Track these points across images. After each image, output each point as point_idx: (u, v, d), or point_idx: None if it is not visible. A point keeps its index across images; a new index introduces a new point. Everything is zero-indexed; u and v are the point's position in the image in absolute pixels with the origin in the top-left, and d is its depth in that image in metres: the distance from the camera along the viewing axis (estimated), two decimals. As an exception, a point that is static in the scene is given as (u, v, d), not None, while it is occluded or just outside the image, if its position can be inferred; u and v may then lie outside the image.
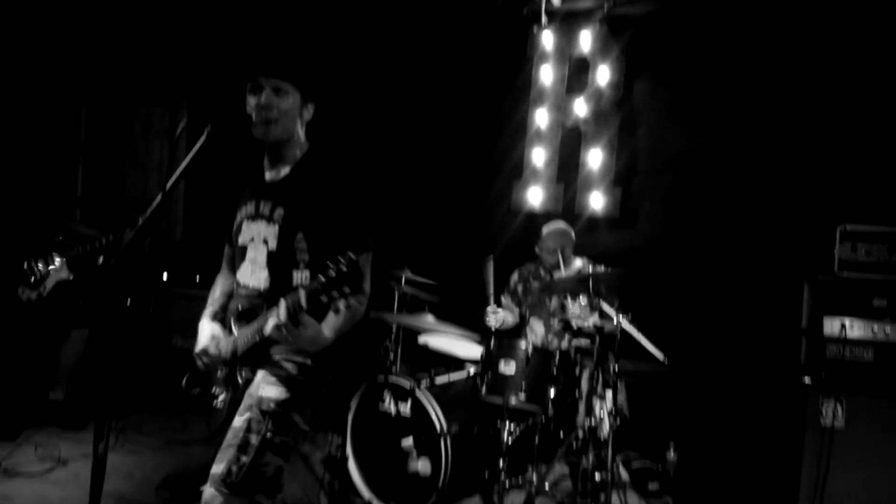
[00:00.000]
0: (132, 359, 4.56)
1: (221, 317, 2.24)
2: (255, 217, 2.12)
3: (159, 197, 1.88)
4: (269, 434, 1.96)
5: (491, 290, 3.55)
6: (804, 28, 3.91)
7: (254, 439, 1.95)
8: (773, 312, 3.73)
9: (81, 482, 3.23)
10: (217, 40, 5.19)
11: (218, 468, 1.93)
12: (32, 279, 3.79)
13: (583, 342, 3.50)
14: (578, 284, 3.31)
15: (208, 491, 1.93)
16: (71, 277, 3.90)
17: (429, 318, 3.62)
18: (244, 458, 1.93)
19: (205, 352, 2.15)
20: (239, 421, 1.99)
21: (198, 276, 4.67)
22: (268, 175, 2.17)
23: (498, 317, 3.58)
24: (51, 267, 3.83)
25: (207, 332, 2.18)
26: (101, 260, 3.82)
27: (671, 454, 3.50)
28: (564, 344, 3.54)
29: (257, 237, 2.11)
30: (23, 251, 3.79)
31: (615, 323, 3.08)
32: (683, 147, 4.26)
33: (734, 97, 4.10)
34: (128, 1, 5.16)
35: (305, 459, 3.64)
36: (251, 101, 2.08)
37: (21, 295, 3.77)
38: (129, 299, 4.30)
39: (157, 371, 4.61)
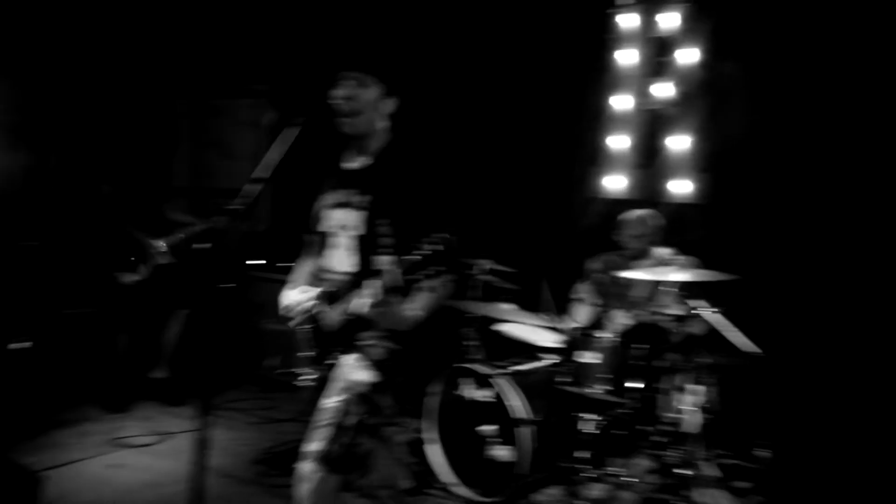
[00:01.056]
0: (227, 339, 4.80)
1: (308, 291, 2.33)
2: (339, 205, 2.21)
3: (258, 187, 1.98)
4: (361, 416, 2.04)
5: (552, 309, 3.54)
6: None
7: (349, 420, 2.04)
8: (877, 305, 3.52)
9: (183, 454, 3.46)
10: (302, 34, 5.33)
11: (313, 446, 2.03)
12: (134, 265, 4.06)
13: (670, 333, 3.42)
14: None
15: (305, 468, 2.03)
16: (170, 262, 4.15)
17: (509, 307, 3.63)
18: (340, 438, 2.02)
19: (289, 308, 2.25)
20: (332, 402, 2.08)
21: (286, 262, 4.86)
22: (351, 164, 2.26)
23: (567, 325, 3.58)
24: (151, 252, 4.10)
25: (292, 295, 2.28)
26: (197, 245, 4.10)
27: (764, 452, 3.37)
28: (649, 335, 3.47)
29: (341, 224, 2.19)
30: (125, 237, 4.07)
31: (705, 314, 2.99)
32: (775, 130, 4.06)
33: (834, 79, 3.86)
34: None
35: (389, 442, 3.75)
36: (335, 93, 2.15)
37: (123, 279, 4.04)
38: (223, 283, 4.57)
39: (249, 352, 4.85)
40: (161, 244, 4.12)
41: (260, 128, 5.65)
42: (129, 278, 4.08)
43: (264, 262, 5.03)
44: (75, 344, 4.63)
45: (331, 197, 2.25)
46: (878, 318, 3.51)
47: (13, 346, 3.77)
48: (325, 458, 2.01)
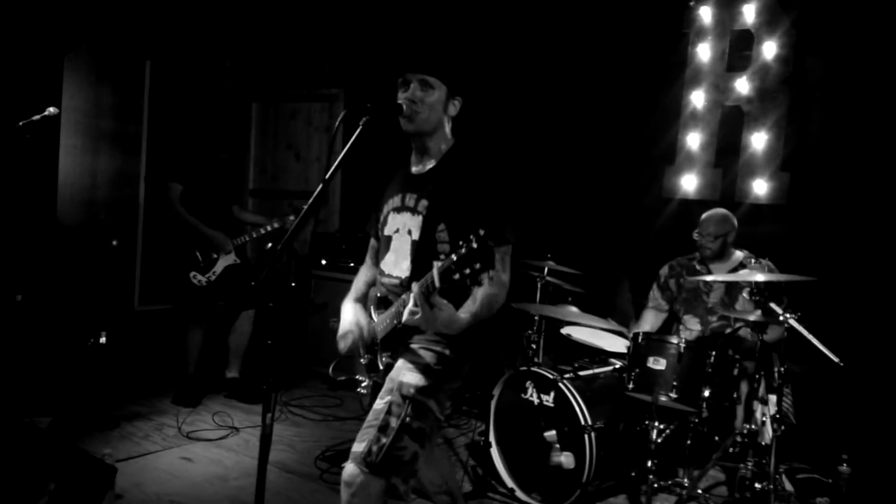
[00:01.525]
0: (296, 338, 4.93)
1: (363, 303, 2.34)
2: (400, 209, 2.20)
3: (320, 186, 2.00)
4: (407, 419, 2.01)
5: (630, 308, 3.41)
6: None
7: (393, 422, 2.01)
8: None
9: (251, 449, 3.56)
10: (373, 36, 5.41)
11: (359, 447, 2.02)
12: (203, 264, 4.19)
13: (746, 340, 3.26)
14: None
15: (349, 468, 2.02)
16: (238, 262, 4.26)
17: (572, 309, 3.55)
18: (384, 440, 1.99)
19: (348, 334, 2.25)
20: (380, 404, 2.06)
21: (353, 263, 4.93)
22: (414, 168, 2.24)
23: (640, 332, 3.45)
24: (222, 252, 4.22)
25: (350, 315, 2.28)
26: (269, 245, 4.17)
27: (845, 467, 3.16)
28: (721, 342, 3.31)
29: (402, 228, 2.18)
30: (197, 238, 4.19)
31: (781, 321, 2.82)
32: (863, 130, 3.80)
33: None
34: (290, 2, 5.55)
35: (450, 444, 3.74)
36: (400, 95, 2.15)
37: (193, 279, 4.16)
38: (292, 283, 4.64)
39: (317, 350, 4.96)
40: (230, 245, 4.23)
41: (332, 131, 5.77)
42: (201, 278, 4.18)
43: (335, 261, 5.11)
44: (149, 339, 4.86)
45: (393, 200, 2.25)
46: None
47: (99, 340, 3.95)
48: (367, 461, 1.99)
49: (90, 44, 4.64)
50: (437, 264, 1.85)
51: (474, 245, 1.74)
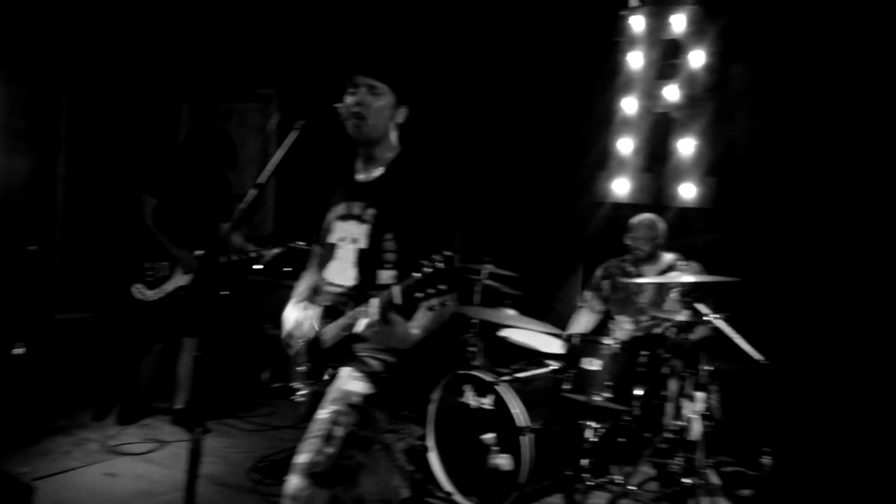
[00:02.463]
0: (227, 345, 4.77)
1: (305, 309, 2.29)
2: (346, 217, 2.17)
3: (253, 190, 1.95)
4: (353, 428, 1.99)
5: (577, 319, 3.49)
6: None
7: (339, 432, 1.98)
8: (883, 308, 3.44)
9: (179, 462, 3.42)
10: (308, 38, 5.32)
11: (303, 458, 1.98)
12: (152, 279, 3.82)
13: (675, 339, 3.36)
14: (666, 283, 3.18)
15: (293, 481, 1.98)
16: (188, 283, 3.88)
17: (510, 312, 3.58)
18: (329, 450, 1.96)
19: (291, 335, 2.20)
20: (324, 413, 2.02)
21: (287, 268, 4.83)
22: (360, 176, 2.21)
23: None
24: (177, 272, 3.85)
25: (293, 315, 2.24)
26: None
27: (767, 459, 3.30)
28: (654, 342, 3.41)
29: (347, 236, 2.15)
30: (144, 249, 3.81)
31: (708, 321, 2.93)
32: (784, 134, 3.99)
33: (842, 82, 3.79)
34: (225, 1, 5.40)
35: (388, 449, 3.70)
36: (347, 99, 2.11)
37: (135, 292, 3.78)
38: (225, 289, 4.43)
39: (250, 357, 4.83)
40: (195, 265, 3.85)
41: (266, 133, 5.65)
42: (147, 293, 3.83)
43: (268, 266, 4.99)
44: (71, 350, 4.60)
45: (338, 208, 2.21)
46: (882, 324, 3.42)
47: (15, 351, 3.71)
48: (311, 472, 1.95)
49: (6, 41, 4.39)
50: (398, 281, 1.84)
51: (439, 266, 1.73)
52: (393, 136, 2.19)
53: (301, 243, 3.85)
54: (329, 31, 5.22)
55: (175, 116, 5.79)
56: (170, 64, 5.50)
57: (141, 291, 3.83)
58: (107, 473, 3.27)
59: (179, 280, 3.88)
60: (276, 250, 4.03)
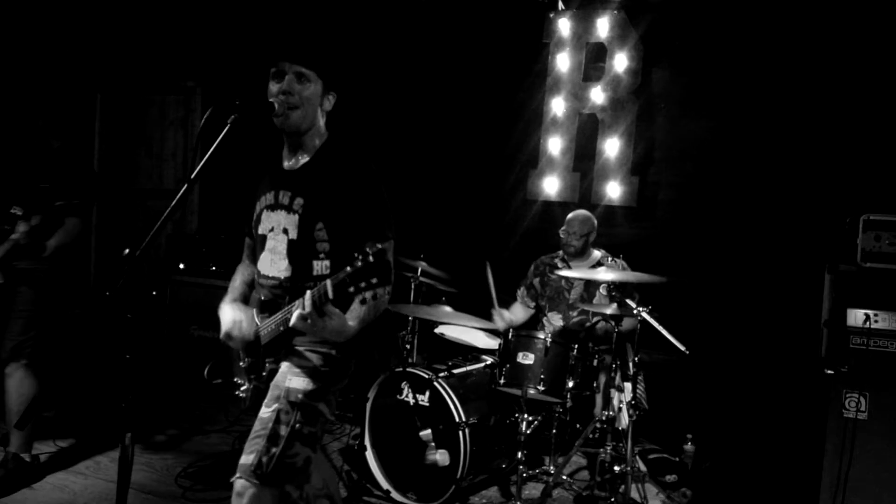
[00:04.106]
0: (152, 348, 4.58)
1: (243, 305, 2.23)
2: (274, 207, 2.11)
3: (185, 187, 1.87)
4: (297, 425, 1.96)
5: (493, 292, 3.55)
6: (827, 14, 3.85)
7: (283, 430, 1.95)
8: (794, 303, 3.70)
9: (102, 471, 3.27)
10: (232, 28, 5.17)
11: (248, 459, 1.94)
12: None
13: (603, 333, 3.49)
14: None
15: (239, 482, 1.93)
16: None
17: (445, 309, 3.60)
18: (274, 449, 1.93)
19: (229, 335, 2.14)
20: (267, 412, 1.99)
21: (213, 266, 4.69)
22: (287, 164, 2.15)
23: (505, 317, 3.64)
24: None
25: (229, 315, 2.16)
26: (126, 251, 3.70)
27: (689, 446, 3.49)
28: (582, 335, 3.53)
29: (277, 227, 2.10)
30: None
31: (635, 314, 3.06)
32: (702, 136, 4.23)
33: (753, 85, 4.05)
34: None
35: (323, 449, 3.66)
36: (273, 87, 2.05)
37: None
38: (152, 290, 4.14)
39: (175, 360, 4.65)
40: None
41: (188, 125, 5.44)
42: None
43: (193, 264, 4.82)
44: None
45: (265, 197, 2.15)
46: (795, 316, 3.67)
47: None
48: (259, 473, 1.91)
49: None
50: (331, 275, 1.81)
51: (371, 259, 1.72)
52: (321, 124, 2.14)
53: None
54: (255, 20, 5.08)
55: (90, 108, 5.49)
56: (84, 53, 5.20)
57: None
58: (27, 484, 3.08)
59: None
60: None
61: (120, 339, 3.91)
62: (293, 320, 1.88)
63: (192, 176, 1.89)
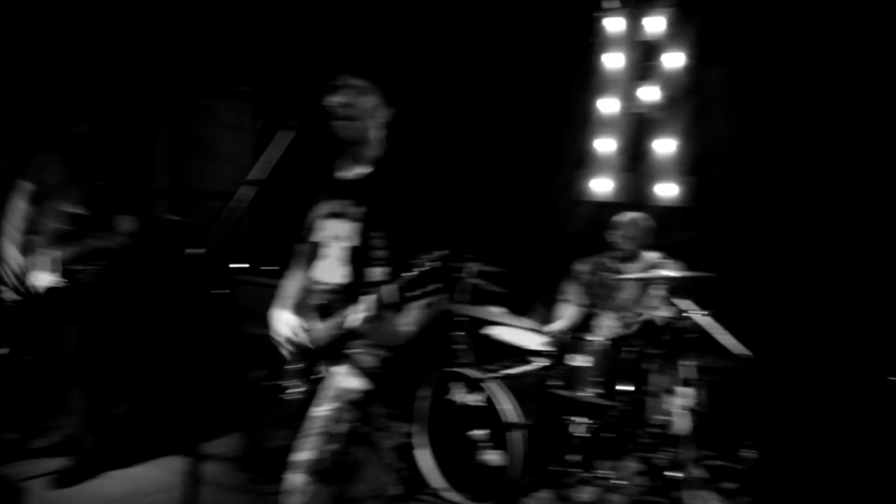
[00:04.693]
0: (210, 344, 4.71)
1: (298, 311, 2.30)
2: (332, 215, 2.18)
3: (249, 189, 1.95)
4: (351, 424, 2.01)
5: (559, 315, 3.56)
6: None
7: (339, 429, 2.01)
8: (866, 308, 3.57)
9: (167, 463, 3.40)
10: (285, 35, 5.28)
11: (303, 456, 2.00)
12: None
13: (659, 336, 3.44)
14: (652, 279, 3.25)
15: (295, 478, 1.99)
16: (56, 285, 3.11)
17: (497, 310, 3.62)
18: (330, 447, 1.99)
19: (282, 340, 2.21)
20: (323, 411, 2.04)
21: (265, 266, 4.80)
22: (345, 174, 2.23)
23: (555, 327, 3.61)
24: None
25: (285, 321, 2.24)
26: (187, 250, 3.82)
27: (750, 453, 3.41)
28: (638, 338, 3.48)
29: (335, 235, 2.16)
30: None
31: (692, 318, 3.01)
32: (760, 133, 4.11)
33: (817, 83, 3.92)
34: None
35: (376, 447, 3.71)
36: (333, 100, 2.12)
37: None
38: (211, 288, 4.27)
39: (230, 355, 4.78)
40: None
41: (242, 130, 5.58)
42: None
43: (246, 264, 4.95)
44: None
45: (325, 207, 2.22)
46: (861, 319, 3.55)
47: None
48: (315, 469, 1.97)
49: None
50: (391, 279, 1.86)
51: (427, 266, 1.76)
52: (378, 134, 2.21)
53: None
54: (310, 28, 5.18)
55: (154, 114, 5.68)
56: (149, 62, 5.39)
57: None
58: (96, 474, 3.22)
59: (43, 277, 3.12)
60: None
61: (183, 335, 4.07)
62: (352, 323, 1.94)
63: (255, 179, 1.96)
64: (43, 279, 3.07)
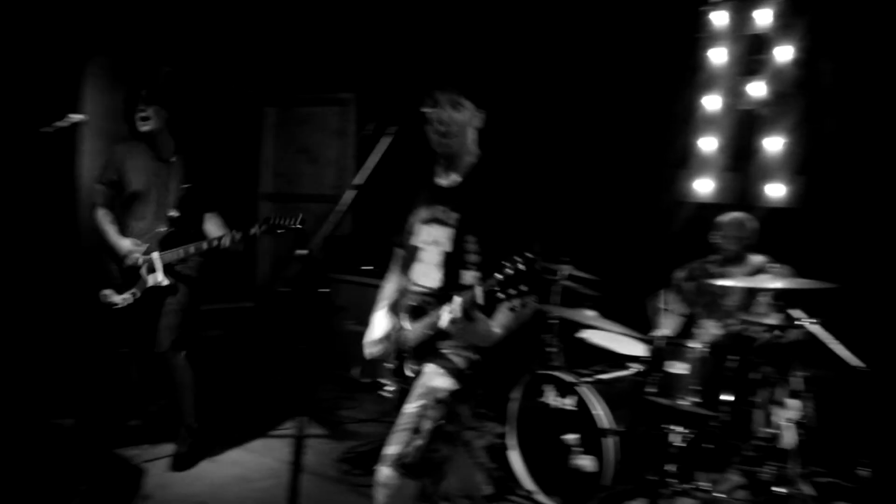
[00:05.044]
0: (312, 340, 4.94)
1: (393, 312, 2.38)
2: (429, 220, 2.25)
3: (350, 194, 2.04)
4: (438, 422, 2.07)
5: (660, 321, 3.46)
6: None
7: (425, 425, 2.07)
8: None
9: (272, 450, 3.60)
10: (384, 43, 5.44)
11: (392, 449, 2.07)
12: (122, 280, 3.37)
13: (765, 344, 3.27)
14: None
15: (384, 471, 2.07)
16: (166, 283, 3.33)
17: (590, 313, 3.57)
18: (416, 443, 2.05)
19: (379, 342, 2.31)
20: (412, 407, 2.11)
21: (365, 266, 4.97)
22: (441, 181, 2.30)
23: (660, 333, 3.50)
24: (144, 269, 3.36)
25: (383, 324, 2.34)
26: (299, 252, 4.03)
27: (864, 471, 3.17)
28: (742, 346, 3.33)
29: (431, 239, 2.23)
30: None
31: (802, 326, 2.84)
32: (877, 131, 3.81)
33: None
34: (306, 7, 5.59)
35: (468, 446, 3.76)
36: (429, 114, 2.19)
37: (104, 298, 3.38)
38: (318, 287, 4.48)
39: (331, 352, 4.99)
40: (136, 257, 3.33)
41: (344, 135, 5.80)
42: (117, 298, 3.35)
43: (347, 264, 5.13)
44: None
45: (422, 212, 2.30)
46: None
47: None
48: (401, 463, 2.04)
49: (110, 50, 4.66)
50: (480, 281, 1.90)
51: (520, 267, 1.79)
52: (472, 142, 2.27)
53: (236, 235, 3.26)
54: (405, 36, 5.32)
55: (260, 120, 6.03)
56: (255, 70, 5.73)
57: (110, 297, 3.35)
58: (208, 458, 3.47)
59: (151, 278, 3.31)
60: (236, 234, 3.31)
61: (293, 331, 4.27)
62: (443, 323, 1.99)
63: (357, 183, 2.06)
64: (152, 279, 3.30)
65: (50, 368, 3.89)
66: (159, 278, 3.29)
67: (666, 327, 3.71)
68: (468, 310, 1.95)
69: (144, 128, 3.30)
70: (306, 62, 5.85)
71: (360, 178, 2.12)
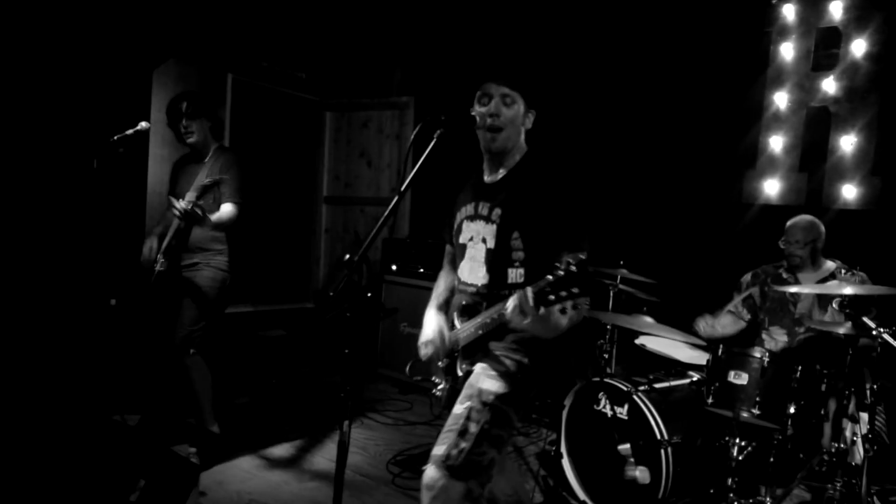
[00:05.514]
0: (359, 344, 4.99)
1: (445, 310, 2.37)
2: (474, 217, 2.22)
3: (396, 198, 2.04)
4: (486, 425, 2.03)
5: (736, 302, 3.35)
6: None
7: (473, 427, 2.03)
8: None
9: (324, 451, 3.65)
10: (441, 47, 5.46)
11: (439, 450, 2.05)
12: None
13: (836, 354, 3.09)
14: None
15: (430, 471, 2.05)
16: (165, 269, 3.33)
17: (646, 319, 3.46)
18: (463, 444, 2.02)
19: (430, 342, 2.29)
20: (460, 408, 2.08)
21: (422, 268, 4.99)
22: (487, 177, 2.26)
23: (710, 323, 3.45)
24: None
25: (433, 324, 2.32)
26: (346, 256, 4.10)
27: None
28: (810, 355, 3.16)
29: (476, 236, 2.20)
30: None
31: (874, 334, 2.67)
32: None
33: None
34: (364, 12, 5.67)
35: (519, 452, 3.72)
36: (479, 109, 2.16)
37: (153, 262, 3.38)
38: (367, 291, 4.52)
39: (387, 354, 5.04)
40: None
41: (402, 138, 5.85)
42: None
43: (405, 267, 5.16)
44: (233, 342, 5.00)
45: (466, 208, 2.27)
46: None
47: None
48: (447, 465, 2.01)
49: (177, 57, 4.85)
50: (531, 282, 1.85)
51: (572, 268, 1.73)
52: (521, 139, 2.23)
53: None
54: (462, 39, 5.32)
55: (320, 125, 6.16)
56: (315, 75, 5.86)
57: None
58: (261, 457, 3.55)
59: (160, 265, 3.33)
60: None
61: (341, 335, 4.34)
62: (508, 314, 1.90)
63: (403, 187, 2.05)
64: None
65: (118, 367, 4.07)
66: (160, 259, 3.32)
67: (724, 328, 3.55)
68: (519, 311, 1.88)
69: (189, 140, 3.45)
70: (364, 66, 5.94)
71: (404, 184, 2.11)
